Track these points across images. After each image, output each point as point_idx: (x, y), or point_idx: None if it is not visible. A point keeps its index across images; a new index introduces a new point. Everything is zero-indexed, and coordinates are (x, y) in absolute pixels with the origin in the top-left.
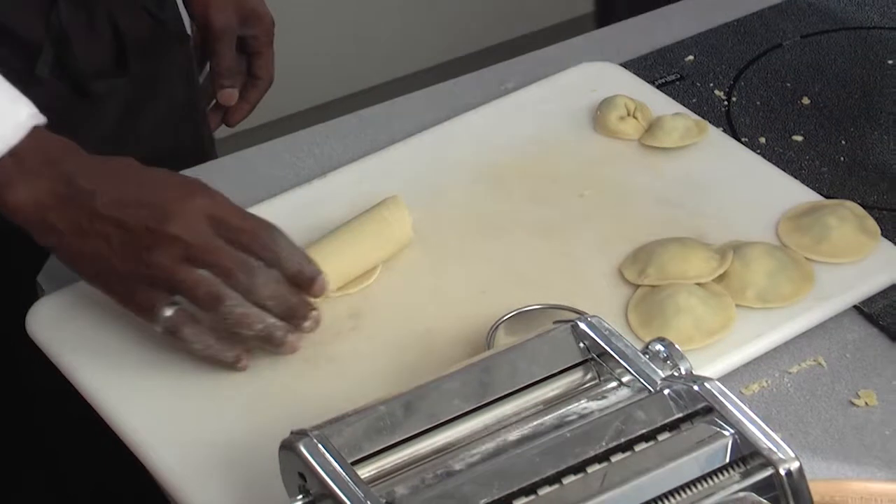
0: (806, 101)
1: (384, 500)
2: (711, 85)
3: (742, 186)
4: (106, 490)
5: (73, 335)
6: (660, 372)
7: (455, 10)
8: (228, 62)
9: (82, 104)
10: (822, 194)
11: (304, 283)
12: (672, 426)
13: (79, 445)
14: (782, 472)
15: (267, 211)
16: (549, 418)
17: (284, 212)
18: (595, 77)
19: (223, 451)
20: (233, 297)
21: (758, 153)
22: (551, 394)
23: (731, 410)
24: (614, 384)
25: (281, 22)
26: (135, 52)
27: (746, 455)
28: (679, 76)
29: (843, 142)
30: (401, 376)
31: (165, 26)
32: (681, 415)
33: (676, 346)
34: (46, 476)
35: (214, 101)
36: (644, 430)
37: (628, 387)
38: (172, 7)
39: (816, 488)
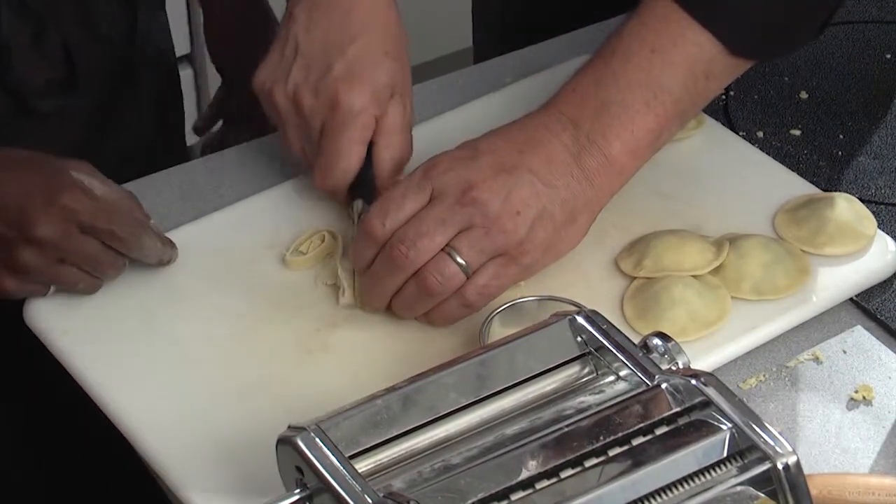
0: (804, 95)
1: (382, 494)
2: None
3: (739, 178)
4: (103, 479)
5: (71, 324)
6: (658, 366)
7: (455, 4)
8: (235, 107)
9: (28, 122)
10: (819, 189)
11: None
12: (669, 420)
13: (76, 434)
14: (780, 466)
15: (264, 200)
16: (546, 412)
17: (290, 198)
18: None
19: (219, 441)
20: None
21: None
22: (549, 388)
23: (728, 405)
24: (612, 378)
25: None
26: (88, 76)
27: (744, 449)
28: None
29: (841, 136)
30: (396, 366)
31: (133, 55)
32: (678, 409)
33: (674, 340)
34: (47, 464)
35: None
36: (641, 425)
37: (626, 381)
38: (153, 38)
39: (814, 482)
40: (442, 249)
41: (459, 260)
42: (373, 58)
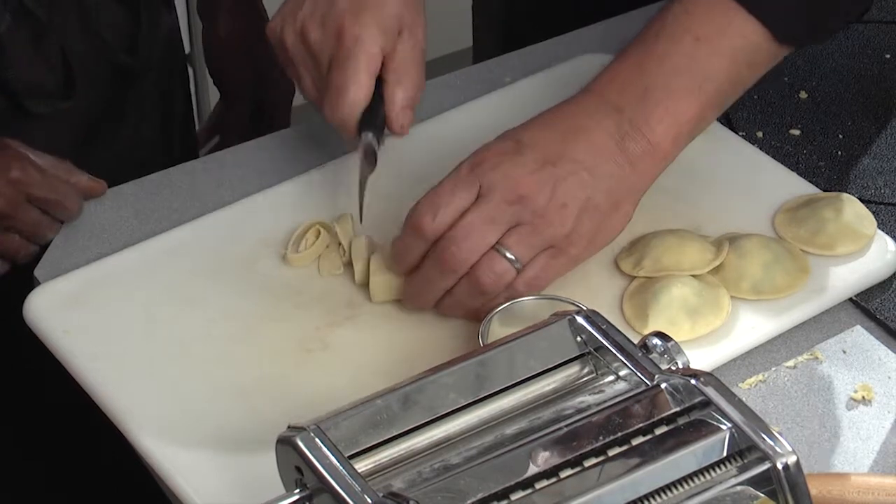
0: (803, 95)
1: (381, 494)
2: None
3: (739, 178)
4: (102, 478)
5: (71, 323)
6: (657, 366)
7: (455, 4)
8: (234, 122)
9: (23, 121)
10: (819, 189)
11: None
12: (669, 420)
13: (76, 434)
14: (780, 466)
15: (263, 200)
16: (546, 412)
17: (290, 197)
18: (595, 69)
19: (219, 441)
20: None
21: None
22: (549, 388)
23: (728, 405)
24: (611, 378)
25: None
26: (85, 81)
27: (744, 449)
28: None
29: (841, 136)
30: (396, 366)
31: (135, 59)
32: (678, 409)
33: (674, 340)
34: (46, 463)
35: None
36: (641, 424)
37: (625, 381)
38: (157, 40)
39: (814, 482)
40: (491, 247)
41: (509, 255)
42: None
